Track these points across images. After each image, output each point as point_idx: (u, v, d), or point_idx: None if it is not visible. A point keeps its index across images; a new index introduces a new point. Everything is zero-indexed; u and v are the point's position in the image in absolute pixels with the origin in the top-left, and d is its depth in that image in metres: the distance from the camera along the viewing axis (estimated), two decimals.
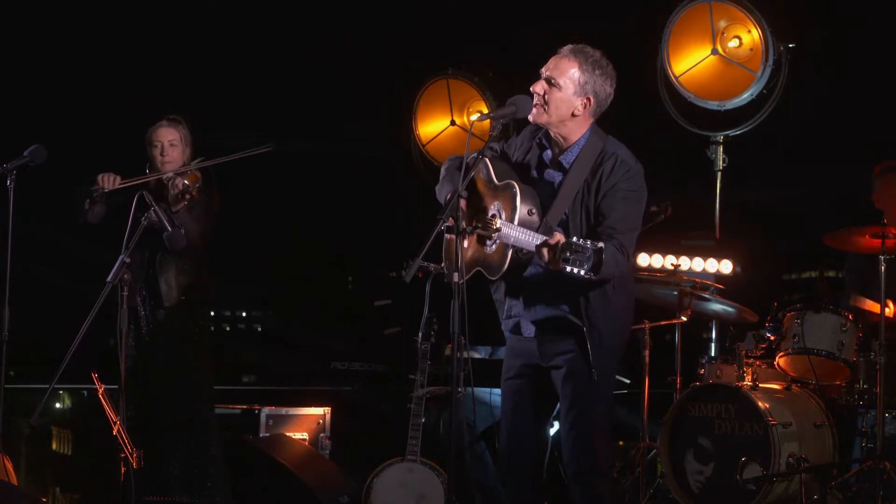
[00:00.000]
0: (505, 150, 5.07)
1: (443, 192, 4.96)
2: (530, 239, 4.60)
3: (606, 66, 4.86)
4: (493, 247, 4.80)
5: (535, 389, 4.97)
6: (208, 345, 6.36)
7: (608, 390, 4.96)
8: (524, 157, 4.99)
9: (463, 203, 4.79)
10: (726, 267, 7.29)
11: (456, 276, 4.55)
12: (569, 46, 4.88)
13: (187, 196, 6.06)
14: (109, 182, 6.15)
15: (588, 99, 4.84)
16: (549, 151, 4.94)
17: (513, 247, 4.69)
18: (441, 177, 5.04)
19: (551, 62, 4.87)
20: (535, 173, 4.93)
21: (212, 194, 6.29)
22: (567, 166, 4.86)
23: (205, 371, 6.33)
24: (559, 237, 4.44)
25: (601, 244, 4.35)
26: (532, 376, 4.96)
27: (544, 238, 4.51)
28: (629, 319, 5.03)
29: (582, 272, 4.33)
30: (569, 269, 4.34)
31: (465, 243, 4.85)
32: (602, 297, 4.80)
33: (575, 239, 4.37)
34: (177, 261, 6.23)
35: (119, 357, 5.80)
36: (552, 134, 4.91)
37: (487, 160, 4.89)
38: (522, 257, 4.75)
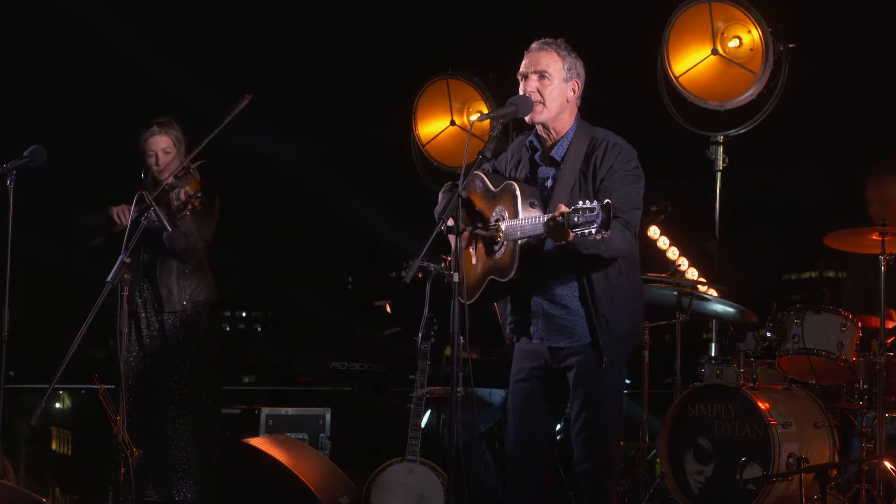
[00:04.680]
0: (496, 167, 5.08)
1: (440, 210, 4.99)
2: (536, 221, 4.60)
3: (573, 50, 4.94)
4: (502, 249, 4.80)
5: (546, 391, 4.96)
6: (215, 347, 6.31)
7: (619, 390, 4.96)
8: (517, 166, 5.01)
9: (479, 208, 4.81)
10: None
11: (456, 277, 4.55)
12: (536, 43, 4.93)
13: (189, 206, 6.04)
14: (125, 217, 6.01)
15: (576, 83, 4.91)
16: (539, 151, 4.96)
17: (520, 239, 4.69)
18: (439, 200, 5.07)
19: (531, 61, 4.90)
20: (528, 174, 4.95)
21: (213, 196, 6.26)
22: (559, 159, 4.88)
23: (210, 373, 6.26)
24: (563, 207, 4.43)
25: (607, 200, 4.32)
26: (543, 378, 4.96)
27: (549, 215, 4.50)
28: (638, 307, 5.00)
29: (593, 230, 4.30)
30: (580, 231, 4.32)
31: (473, 259, 4.86)
32: (606, 283, 4.79)
33: (580, 203, 4.36)
34: (178, 265, 6.21)
35: (118, 357, 5.80)
36: (543, 132, 4.93)
37: (482, 174, 4.94)
38: (532, 246, 4.74)
